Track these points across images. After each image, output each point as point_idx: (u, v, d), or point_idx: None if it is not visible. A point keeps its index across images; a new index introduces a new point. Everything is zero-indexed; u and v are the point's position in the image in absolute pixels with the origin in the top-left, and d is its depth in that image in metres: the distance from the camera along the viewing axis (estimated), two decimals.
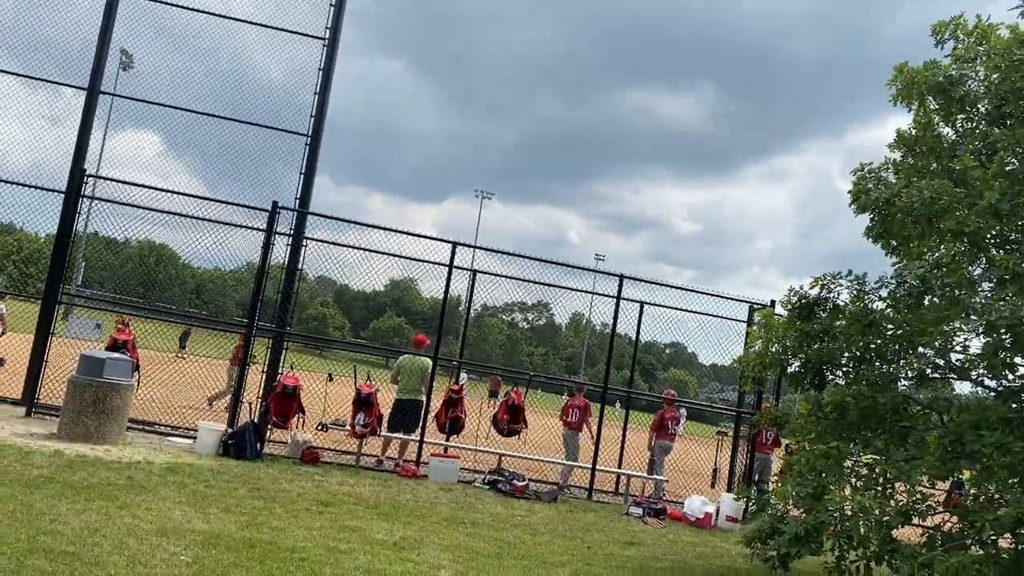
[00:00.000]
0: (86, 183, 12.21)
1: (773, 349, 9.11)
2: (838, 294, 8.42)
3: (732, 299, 14.08)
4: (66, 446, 9.52)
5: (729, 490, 13.57)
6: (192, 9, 13.53)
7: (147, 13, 13.57)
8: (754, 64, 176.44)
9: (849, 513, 7.18)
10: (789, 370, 9.09)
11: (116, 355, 10.85)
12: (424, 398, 12.82)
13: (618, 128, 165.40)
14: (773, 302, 13.15)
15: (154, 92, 13.53)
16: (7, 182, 12.40)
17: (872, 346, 8.23)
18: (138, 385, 11.55)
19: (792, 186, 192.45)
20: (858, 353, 8.33)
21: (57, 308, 12.26)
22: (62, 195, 12.47)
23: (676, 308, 14.15)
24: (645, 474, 14.15)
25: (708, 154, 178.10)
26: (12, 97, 13.42)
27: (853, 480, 7.86)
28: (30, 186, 12.57)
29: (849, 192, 8.84)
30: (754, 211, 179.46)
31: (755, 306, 13.55)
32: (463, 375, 14.58)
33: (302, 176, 13.07)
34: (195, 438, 11.24)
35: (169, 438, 11.73)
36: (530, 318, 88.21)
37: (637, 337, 14.25)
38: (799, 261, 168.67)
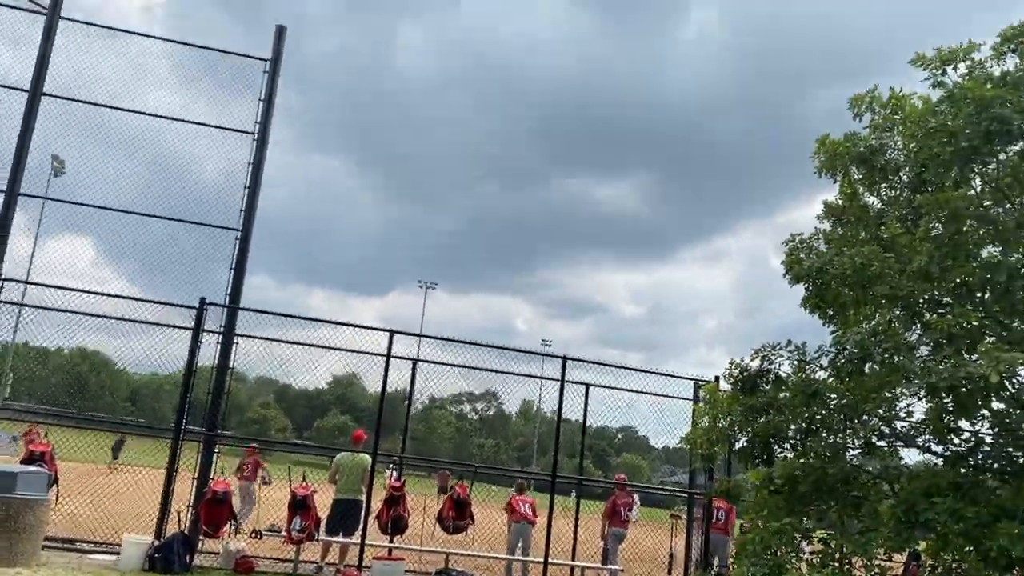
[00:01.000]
0: (2, 288, 11.67)
1: (720, 424, 8.96)
2: (779, 365, 8.36)
3: (677, 377, 13.94)
4: None
5: (686, 574, 13.13)
6: (120, 108, 13.29)
7: (75, 114, 13.31)
8: (682, 148, 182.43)
9: None
10: (737, 446, 8.93)
11: (31, 468, 10.15)
12: (364, 497, 12.25)
13: (559, 215, 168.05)
14: (717, 378, 12.98)
15: (89, 197, 13.18)
16: None
17: (817, 416, 8.12)
18: (56, 499, 10.80)
19: (731, 266, 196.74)
20: (804, 424, 8.21)
21: None
22: None
23: (621, 389, 13.96)
24: (599, 564, 13.65)
25: (647, 238, 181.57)
26: None
27: (810, 556, 7.62)
28: None
29: (782, 263, 8.87)
30: (695, 292, 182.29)
31: (700, 383, 13.42)
32: (389, 469, 13.93)
33: (232, 271, 12.72)
34: (119, 553, 10.47)
35: (90, 555, 10.92)
36: (479, 408, 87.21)
37: (585, 419, 13.94)
38: (744, 338, 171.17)
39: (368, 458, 12.31)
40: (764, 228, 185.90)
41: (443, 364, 13.90)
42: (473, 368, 13.71)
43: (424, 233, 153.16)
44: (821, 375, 8.14)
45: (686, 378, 13.89)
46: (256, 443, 13.72)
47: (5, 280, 11.80)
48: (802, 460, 8.40)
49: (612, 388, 13.92)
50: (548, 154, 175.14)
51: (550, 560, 12.67)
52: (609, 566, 13.49)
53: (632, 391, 13.99)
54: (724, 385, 10.19)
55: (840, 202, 9.38)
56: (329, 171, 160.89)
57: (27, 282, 11.77)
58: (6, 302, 11.85)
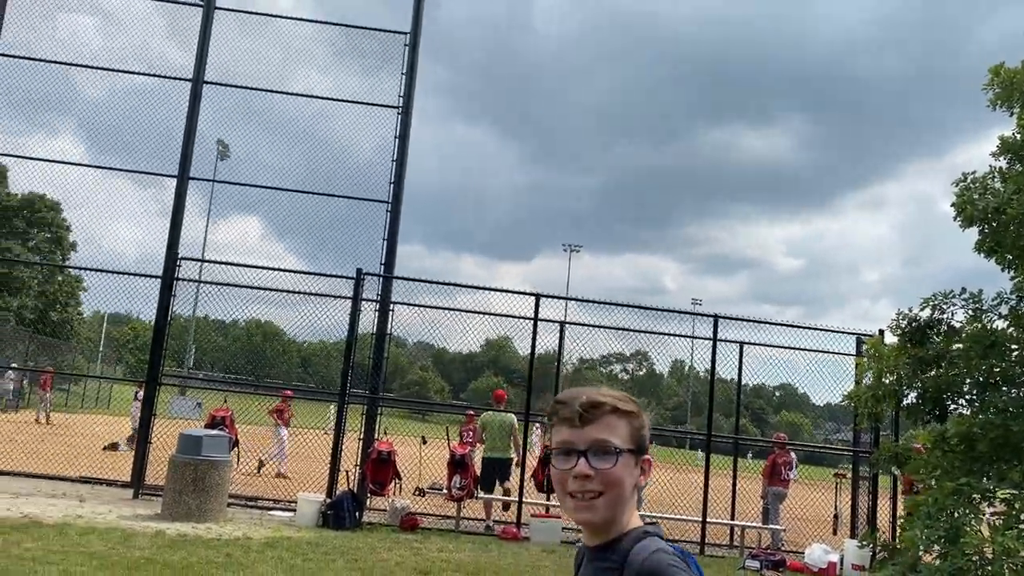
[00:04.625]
0: (179, 266, 12.60)
1: (886, 380, 8.47)
2: (952, 314, 7.78)
3: (837, 331, 13.29)
4: (168, 526, 9.62)
5: (852, 536, 12.64)
6: (274, 91, 14.01)
7: (233, 99, 14.12)
8: (838, 90, 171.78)
9: (990, 556, 6.47)
10: (905, 402, 8.43)
11: (213, 432, 11.00)
12: (512, 455, 12.53)
13: (705, 168, 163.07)
14: (882, 331, 12.34)
15: (251, 177, 14.06)
16: (109, 271, 12.97)
17: (996, 369, 7.52)
18: (238, 461, 11.66)
19: (894, 212, 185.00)
20: (981, 378, 7.63)
21: (158, 390, 12.55)
22: (159, 280, 12.90)
23: (777, 346, 13.46)
24: (760, 524, 13.36)
25: (801, 187, 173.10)
26: (126, 195, 14.22)
27: (991, 518, 7.13)
28: (130, 273, 13.15)
29: (952, 205, 8.22)
30: (857, 241, 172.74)
31: (862, 337, 12.75)
32: (538, 430, 14.07)
33: (384, 242, 13.19)
34: (295, 510, 11.22)
35: (270, 512, 11.75)
36: (629, 368, 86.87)
37: (739, 380, 13.57)
38: (911, 289, 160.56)
39: (513, 417, 12.55)
40: (931, 170, 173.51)
41: (590, 326, 13.89)
42: (621, 329, 13.64)
43: (567, 195, 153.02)
44: (1000, 324, 7.53)
45: (847, 332, 13.24)
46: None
47: (182, 259, 12.73)
48: (980, 416, 7.83)
49: (766, 345, 13.46)
50: (691, 106, 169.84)
51: (708, 520, 12.53)
52: (771, 525, 13.18)
53: (788, 348, 13.47)
54: (890, 338, 9.63)
55: (1018, 137, 8.56)
56: (472, 139, 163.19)
57: (204, 260, 12.64)
58: (185, 279, 12.80)
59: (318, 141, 14.61)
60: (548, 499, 12.55)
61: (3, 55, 13.79)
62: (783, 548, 12.69)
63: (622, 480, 1.58)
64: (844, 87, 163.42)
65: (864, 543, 10.13)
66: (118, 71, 14.14)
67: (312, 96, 14.18)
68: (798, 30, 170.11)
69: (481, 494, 12.22)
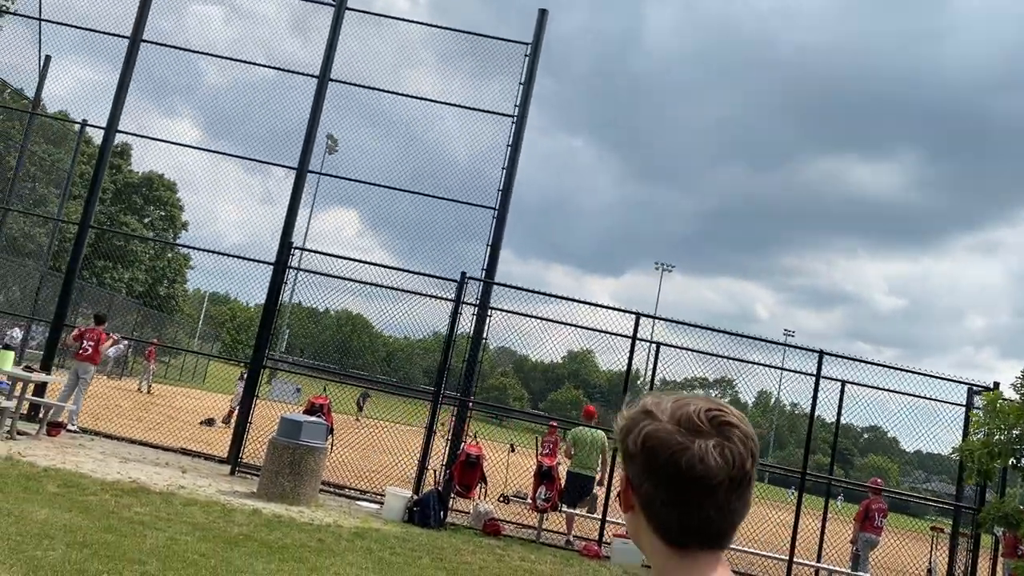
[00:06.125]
0: (292, 255, 13.03)
1: (1001, 436, 8.13)
2: None
3: (948, 380, 12.73)
4: (264, 505, 9.94)
5: None
6: (395, 93, 14.36)
7: (348, 97, 14.52)
8: (959, 128, 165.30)
9: None
10: (1023, 461, 8.07)
11: (312, 418, 11.31)
12: (598, 473, 12.47)
13: (808, 198, 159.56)
14: (996, 383, 11.80)
15: (356, 173, 14.44)
16: (223, 254, 13.50)
17: None
18: (331, 448, 11.96)
19: (1008, 259, 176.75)
20: None
21: (262, 373, 13.00)
22: (271, 267, 13.37)
23: (884, 389, 12.98)
24: (848, 570, 12.93)
25: (910, 224, 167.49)
26: (233, 181, 14.85)
27: None
28: (245, 258, 13.68)
29: None
30: (964, 285, 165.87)
31: (976, 388, 12.21)
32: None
33: (488, 247, 13.33)
34: (382, 503, 11.44)
35: (358, 502, 12.01)
36: (712, 395, 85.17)
37: (838, 420, 13.14)
38: (1021, 341, 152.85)
39: (603, 434, 12.49)
40: None
41: (687, 349, 13.70)
42: (720, 356, 13.39)
43: (663, 213, 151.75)
44: None
45: (960, 381, 12.68)
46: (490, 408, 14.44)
47: (295, 248, 13.17)
48: None
49: (873, 387, 12.99)
50: (802, 133, 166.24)
51: (795, 560, 12.19)
52: (860, 573, 12.74)
53: (895, 392, 12.97)
54: (1009, 393, 9.23)
55: None
56: (572, 149, 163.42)
57: (317, 252, 13.04)
58: (295, 268, 13.23)
59: (425, 142, 14.92)
60: None
61: (145, 41, 14.52)
62: None
63: None
64: (964, 126, 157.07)
65: None
66: (248, 63, 14.73)
67: (429, 100, 14.43)
68: (921, 65, 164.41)
69: (564, 508, 12.20)
